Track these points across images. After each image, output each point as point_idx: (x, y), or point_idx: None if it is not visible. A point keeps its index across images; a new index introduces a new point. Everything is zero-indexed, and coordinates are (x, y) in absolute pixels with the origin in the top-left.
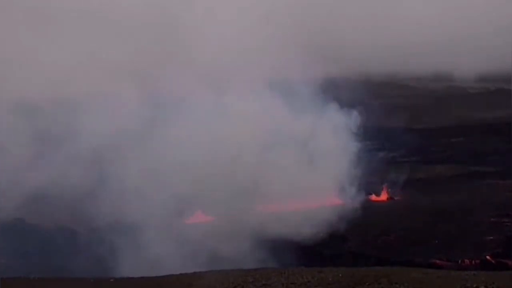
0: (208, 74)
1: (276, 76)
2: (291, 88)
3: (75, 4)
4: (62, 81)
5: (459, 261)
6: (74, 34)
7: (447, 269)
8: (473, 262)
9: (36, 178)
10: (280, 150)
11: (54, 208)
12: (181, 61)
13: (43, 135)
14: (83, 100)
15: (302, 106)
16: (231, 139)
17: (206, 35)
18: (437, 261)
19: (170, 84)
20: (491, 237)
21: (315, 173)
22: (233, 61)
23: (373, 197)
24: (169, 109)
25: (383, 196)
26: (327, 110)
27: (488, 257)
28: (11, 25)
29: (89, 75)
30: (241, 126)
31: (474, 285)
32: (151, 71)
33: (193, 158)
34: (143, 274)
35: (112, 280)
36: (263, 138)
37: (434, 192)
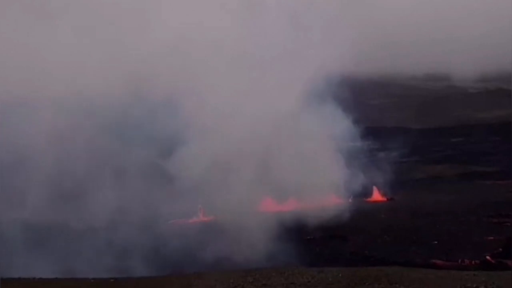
0: None
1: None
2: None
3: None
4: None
5: (459, 261)
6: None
7: (447, 269)
8: (473, 262)
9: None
10: (278, 150)
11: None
12: None
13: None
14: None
15: (302, 105)
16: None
17: None
18: (437, 261)
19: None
20: (491, 237)
21: (314, 172)
22: None
23: (373, 197)
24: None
25: (383, 196)
26: (328, 110)
27: (488, 257)
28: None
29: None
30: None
31: (474, 285)
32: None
33: None
34: (142, 274)
35: (112, 280)
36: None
37: (434, 192)
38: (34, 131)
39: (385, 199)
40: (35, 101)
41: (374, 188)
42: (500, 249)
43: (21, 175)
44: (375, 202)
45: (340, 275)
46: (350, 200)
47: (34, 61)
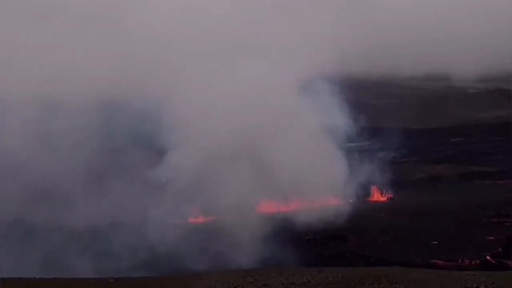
0: None
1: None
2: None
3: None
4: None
5: (459, 261)
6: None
7: (447, 269)
8: (473, 262)
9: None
10: (277, 150)
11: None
12: None
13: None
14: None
15: (301, 105)
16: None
17: None
18: (437, 261)
19: None
20: (491, 237)
21: (314, 172)
22: None
23: (373, 197)
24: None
25: (383, 196)
26: (327, 110)
27: (488, 257)
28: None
29: None
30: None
31: (474, 285)
32: None
33: None
34: (143, 274)
35: (112, 280)
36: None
37: (434, 192)
38: (21, 130)
39: (385, 199)
40: (21, 100)
41: (374, 188)
42: (500, 249)
43: (7, 176)
44: (375, 202)
45: (340, 275)
46: (350, 200)
47: (22, 60)
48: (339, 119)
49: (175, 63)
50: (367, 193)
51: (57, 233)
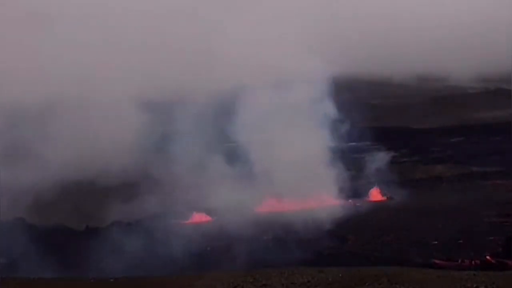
0: None
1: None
2: (290, 86)
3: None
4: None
5: (459, 261)
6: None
7: (447, 269)
8: (473, 262)
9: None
10: (278, 150)
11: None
12: None
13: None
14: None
15: (301, 105)
16: None
17: None
18: (437, 261)
19: None
20: (492, 237)
21: (314, 172)
22: None
23: (373, 197)
24: None
25: (383, 196)
26: (327, 110)
27: (488, 257)
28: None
29: None
30: None
31: (474, 285)
32: None
33: None
34: (143, 274)
35: (112, 280)
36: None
37: (434, 192)
38: None
39: (385, 199)
40: None
41: (374, 188)
42: (500, 249)
43: None
44: (375, 202)
45: (340, 275)
46: (350, 200)
47: None
48: (340, 119)
49: None
50: (367, 193)
51: None
